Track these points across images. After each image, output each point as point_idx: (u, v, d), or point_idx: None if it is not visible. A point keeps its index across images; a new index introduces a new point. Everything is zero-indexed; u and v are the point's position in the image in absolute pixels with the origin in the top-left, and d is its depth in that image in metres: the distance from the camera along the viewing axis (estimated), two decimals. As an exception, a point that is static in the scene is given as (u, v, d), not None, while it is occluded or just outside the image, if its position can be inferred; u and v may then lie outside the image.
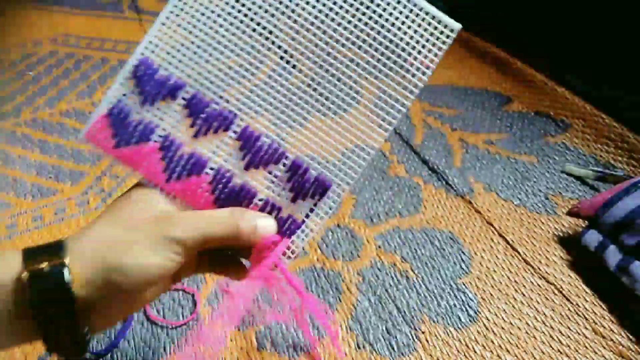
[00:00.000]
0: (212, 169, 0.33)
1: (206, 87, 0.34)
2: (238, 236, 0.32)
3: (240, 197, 0.33)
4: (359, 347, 0.50)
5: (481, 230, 0.61)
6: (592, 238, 0.54)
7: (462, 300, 0.53)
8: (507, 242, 0.59)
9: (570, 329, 0.50)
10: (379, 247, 0.59)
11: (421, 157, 0.72)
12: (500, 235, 0.60)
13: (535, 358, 0.48)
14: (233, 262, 0.37)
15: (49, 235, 0.61)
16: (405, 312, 0.52)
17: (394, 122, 0.33)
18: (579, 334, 0.50)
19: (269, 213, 0.34)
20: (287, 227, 0.33)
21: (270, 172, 0.34)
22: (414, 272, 0.56)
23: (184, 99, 0.34)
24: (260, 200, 0.33)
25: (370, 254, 0.58)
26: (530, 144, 0.74)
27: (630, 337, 0.49)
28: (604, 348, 0.48)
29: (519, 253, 0.58)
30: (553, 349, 0.49)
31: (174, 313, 0.52)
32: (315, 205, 0.34)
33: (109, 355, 0.51)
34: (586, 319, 0.51)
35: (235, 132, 0.34)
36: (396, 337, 0.50)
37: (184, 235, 0.30)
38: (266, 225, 0.33)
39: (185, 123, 0.34)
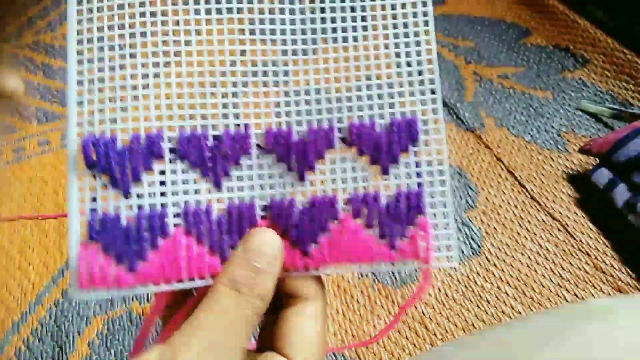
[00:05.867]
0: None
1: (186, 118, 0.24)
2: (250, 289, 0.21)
3: (319, 217, 0.23)
4: (362, 276, 0.51)
5: (490, 165, 0.60)
6: (602, 176, 0.54)
7: (466, 234, 0.53)
8: (515, 178, 0.59)
9: (571, 264, 0.51)
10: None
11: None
12: (509, 171, 0.60)
13: (535, 291, 0.49)
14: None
15: (56, 160, 0.62)
16: (408, 243, 0.53)
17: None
18: (579, 269, 0.50)
19: (372, 210, 0.23)
20: (408, 208, 0.23)
21: (333, 162, 0.24)
22: (420, 206, 0.56)
23: (171, 150, 0.23)
24: (346, 203, 0.23)
25: (377, 186, 0.58)
26: (546, 79, 0.72)
27: (631, 273, 0.49)
28: (604, 283, 0.49)
29: (526, 189, 0.58)
30: (553, 282, 0.49)
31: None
32: (415, 155, 0.23)
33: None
34: (588, 255, 0.51)
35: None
36: (399, 267, 0.51)
37: None
38: (266, 242, 0.22)
39: (201, 179, 0.23)
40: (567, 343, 0.24)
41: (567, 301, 0.48)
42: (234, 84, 0.24)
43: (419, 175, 0.23)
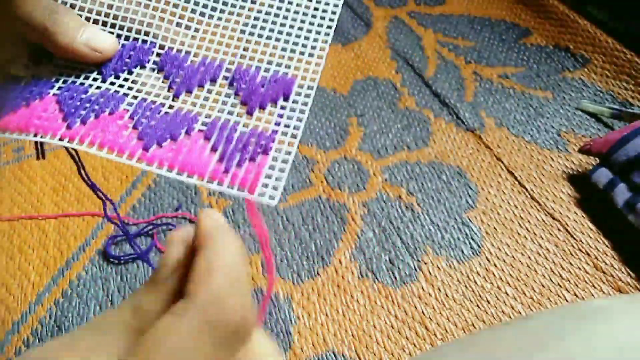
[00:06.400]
0: (130, 104, 0.27)
1: (110, 21, 0.29)
2: (56, 31, 0.26)
3: (173, 126, 0.26)
4: (362, 276, 0.51)
5: (490, 165, 0.60)
6: (602, 175, 0.54)
7: (466, 234, 0.53)
8: (515, 178, 0.59)
9: (571, 264, 0.51)
10: (386, 180, 0.59)
11: (433, 90, 0.70)
12: (509, 171, 0.60)
13: (535, 291, 0.49)
14: None
15: (56, 160, 0.62)
16: (408, 243, 0.53)
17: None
18: (579, 269, 0.50)
19: (222, 137, 0.26)
20: (255, 146, 0.25)
21: (210, 92, 0.28)
22: (419, 206, 0.56)
23: None
24: (203, 124, 0.26)
25: (376, 186, 0.58)
26: (546, 79, 0.72)
27: (631, 273, 0.49)
28: (604, 283, 0.49)
29: (526, 189, 0.58)
30: (553, 282, 0.49)
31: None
32: (283, 108, 0.27)
33: (121, 269, 0.52)
34: (588, 255, 0.51)
35: (155, 62, 0.29)
36: (398, 267, 0.51)
37: None
38: (99, 35, 0.27)
39: (92, 71, 0.29)
40: (567, 343, 0.24)
41: (567, 301, 0.48)
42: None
43: (277, 124, 0.26)
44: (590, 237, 0.53)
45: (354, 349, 0.46)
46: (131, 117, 0.26)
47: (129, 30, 0.29)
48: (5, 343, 0.48)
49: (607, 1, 0.77)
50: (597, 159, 0.56)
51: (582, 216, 0.55)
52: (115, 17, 0.29)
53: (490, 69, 0.73)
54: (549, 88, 0.70)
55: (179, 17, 0.29)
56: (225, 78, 0.28)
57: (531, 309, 0.48)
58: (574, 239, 0.53)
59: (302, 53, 0.28)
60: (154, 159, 0.25)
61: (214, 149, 0.25)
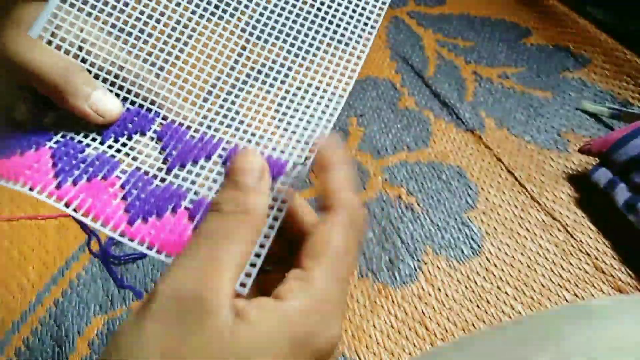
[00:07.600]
0: (124, 172, 0.27)
1: (118, 85, 0.29)
2: (66, 91, 0.27)
3: (162, 202, 0.26)
4: (362, 276, 0.51)
5: (490, 165, 0.60)
6: (602, 175, 0.54)
7: (466, 234, 0.53)
8: (515, 178, 0.59)
9: (571, 264, 0.51)
10: (386, 180, 0.59)
11: (433, 90, 0.70)
12: (509, 172, 0.60)
13: (534, 291, 0.49)
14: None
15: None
16: (408, 243, 0.53)
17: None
18: (579, 269, 0.50)
19: (200, 213, 0.26)
20: None
21: (202, 168, 0.27)
22: (419, 206, 0.56)
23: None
24: (190, 202, 0.26)
25: (376, 186, 0.58)
26: (546, 79, 0.72)
27: (631, 273, 0.49)
28: (604, 283, 0.49)
29: (526, 189, 0.58)
30: (553, 282, 0.49)
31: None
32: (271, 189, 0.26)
33: (121, 269, 0.52)
34: (588, 255, 0.51)
35: (155, 131, 0.29)
36: (399, 267, 0.51)
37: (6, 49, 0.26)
38: (106, 100, 0.28)
39: (92, 130, 0.28)
40: (567, 343, 0.24)
41: (567, 301, 0.48)
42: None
43: None
44: (591, 237, 0.53)
45: (354, 349, 0.46)
46: (122, 187, 0.26)
47: (137, 95, 0.29)
48: (5, 342, 0.48)
49: (607, 1, 0.77)
50: (597, 159, 0.56)
51: (582, 216, 0.55)
52: (125, 79, 0.29)
53: (490, 69, 0.73)
54: (549, 88, 0.70)
55: (187, 92, 0.29)
56: (220, 156, 0.28)
57: (531, 309, 0.48)
58: (574, 239, 0.53)
59: (295, 143, 0.27)
60: (136, 234, 0.25)
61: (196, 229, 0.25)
